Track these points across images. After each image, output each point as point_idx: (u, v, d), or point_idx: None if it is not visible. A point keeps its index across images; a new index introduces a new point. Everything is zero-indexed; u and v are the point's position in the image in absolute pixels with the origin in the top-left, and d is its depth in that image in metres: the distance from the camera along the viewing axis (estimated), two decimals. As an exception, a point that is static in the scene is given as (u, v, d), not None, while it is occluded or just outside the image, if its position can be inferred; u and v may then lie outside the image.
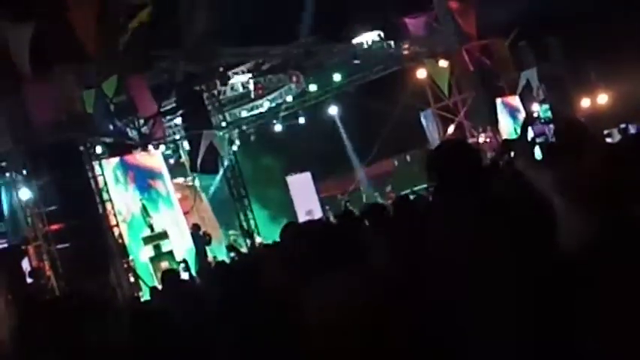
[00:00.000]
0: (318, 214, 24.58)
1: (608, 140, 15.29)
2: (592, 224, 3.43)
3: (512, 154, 4.83)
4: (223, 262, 10.41)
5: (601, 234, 3.39)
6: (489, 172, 4.96)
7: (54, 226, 16.97)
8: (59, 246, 16.81)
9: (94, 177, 17.82)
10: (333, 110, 26.12)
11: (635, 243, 3.32)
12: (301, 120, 25.71)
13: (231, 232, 22.59)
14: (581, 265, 3.38)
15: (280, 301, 4.46)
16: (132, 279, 17.42)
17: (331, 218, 22.20)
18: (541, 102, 26.01)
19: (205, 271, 11.65)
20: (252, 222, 21.47)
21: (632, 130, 23.68)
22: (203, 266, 15.70)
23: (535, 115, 23.65)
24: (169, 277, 8.31)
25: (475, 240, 3.67)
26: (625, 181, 3.50)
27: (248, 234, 20.67)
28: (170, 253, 18.01)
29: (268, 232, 20.14)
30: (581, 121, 5.57)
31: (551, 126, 22.00)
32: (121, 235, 17.78)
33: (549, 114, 23.81)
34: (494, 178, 4.56)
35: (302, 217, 23.46)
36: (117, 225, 17.78)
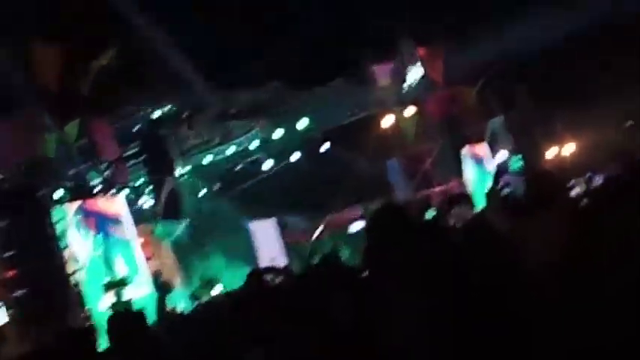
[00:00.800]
0: (281, 261, 24.33)
1: (577, 190, 15.29)
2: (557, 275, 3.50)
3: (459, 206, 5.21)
4: (182, 312, 10.22)
5: (565, 289, 3.46)
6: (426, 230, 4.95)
7: (10, 272, 16.72)
8: (15, 293, 16.56)
9: (53, 222, 17.52)
10: (298, 156, 25.96)
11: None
12: (267, 165, 25.55)
13: (194, 279, 22.31)
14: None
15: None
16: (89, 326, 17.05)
17: (294, 267, 22.09)
18: (512, 152, 26.10)
19: (165, 320, 11.41)
20: (213, 270, 21.24)
21: (598, 179, 23.78)
22: (163, 315, 15.39)
23: (505, 166, 23.71)
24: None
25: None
26: (590, 237, 3.56)
27: (209, 282, 20.42)
28: (130, 301, 17.67)
29: (230, 280, 19.94)
30: (551, 174, 5.50)
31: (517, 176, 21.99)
32: (79, 282, 17.44)
33: (520, 164, 23.90)
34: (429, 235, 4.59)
35: (264, 265, 23.21)
36: (75, 272, 17.43)
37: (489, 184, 24.32)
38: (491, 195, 4.31)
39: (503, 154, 26.58)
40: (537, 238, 3.72)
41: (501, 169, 22.58)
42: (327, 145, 25.42)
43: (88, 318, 17.16)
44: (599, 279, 3.41)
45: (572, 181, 22.38)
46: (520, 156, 25.52)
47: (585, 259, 3.46)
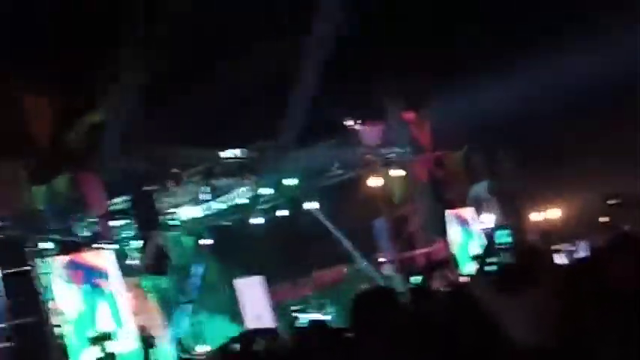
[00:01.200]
0: (267, 319, 24.33)
1: (558, 257, 15.45)
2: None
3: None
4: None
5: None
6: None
7: None
8: (0, 345, 16.43)
9: (40, 275, 17.50)
10: (285, 214, 26.02)
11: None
12: (254, 222, 25.62)
13: (180, 336, 22.23)
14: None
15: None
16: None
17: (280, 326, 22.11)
18: (499, 225, 26.21)
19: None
20: (200, 325, 21.17)
21: (583, 249, 23.93)
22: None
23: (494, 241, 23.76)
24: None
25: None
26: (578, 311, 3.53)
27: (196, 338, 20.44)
28: (114, 355, 17.64)
29: (215, 337, 19.90)
30: (539, 248, 5.57)
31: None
32: (64, 335, 17.37)
33: (508, 239, 23.98)
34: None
35: (250, 321, 23.31)
36: (60, 325, 17.39)
37: (474, 247, 24.54)
38: (480, 272, 4.33)
39: (488, 221, 26.72)
40: (522, 316, 3.73)
41: (491, 244, 22.66)
42: (314, 204, 25.52)
43: None
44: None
45: (556, 247, 22.69)
46: (508, 231, 25.60)
47: (572, 339, 3.47)
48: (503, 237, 24.56)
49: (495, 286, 4.36)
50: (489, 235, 25.24)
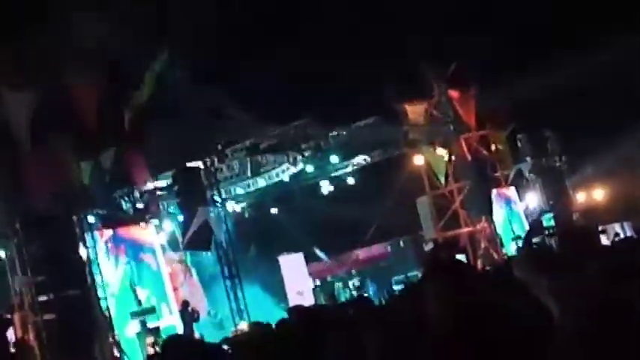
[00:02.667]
0: (308, 295, 24.44)
1: (603, 238, 15.26)
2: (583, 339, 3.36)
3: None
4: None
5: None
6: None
7: (42, 297, 16.77)
8: (46, 317, 16.58)
9: (86, 248, 17.69)
10: (328, 192, 25.99)
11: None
12: (296, 200, 25.66)
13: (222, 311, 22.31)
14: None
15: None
16: (117, 354, 17.15)
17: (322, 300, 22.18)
18: (546, 211, 26.02)
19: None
20: (242, 301, 21.23)
21: (628, 230, 23.71)
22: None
23: (538, 224, 23.64)
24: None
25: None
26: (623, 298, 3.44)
27: (238, 313, 20.53)
28: (157, 329, 17.83)
29: (258, 312, 20.00)
30: (585, 231, 5.47)
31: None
32: (108, 308, 17.63)
33: (552, 223, 23.77)
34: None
35: (292, 298, 23.49)
36: (105, 298, 17.64)
37: (518, 227, 24.38)
38: (523, 254, 4.27)
39: (533, 201, 26.56)
40: (567, 299, 3.60)
41: (534, 227, 22.54)
42: (356, 182, 25.44)
43: (117, 344, 17.30)
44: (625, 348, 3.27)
45: (602, 227, 22.49)
46: (552, 215, 25.39)
47: (615, 325, 3.33)
48: (549, 220, 24.50)
49: (540, 267, 4.19)
50: (535, 216, 25.15)
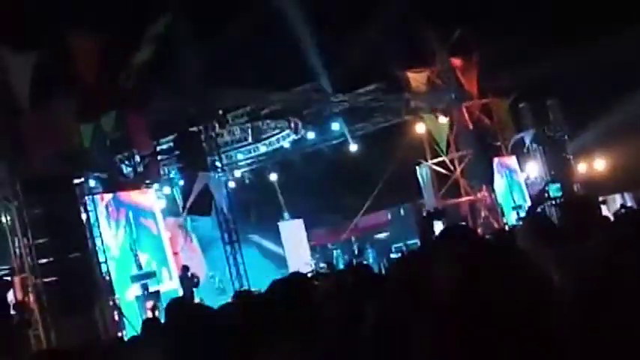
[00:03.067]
0: (308, 262, 24.35)
1: (604, 208, 15.27)
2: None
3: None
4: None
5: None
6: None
7: (42, 260, 16.75)
8: (46, 279, 16.57)
9: (86, 212, 17.65)
10: (329, 159, 25.96)
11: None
12: (297, 167, 25.60)
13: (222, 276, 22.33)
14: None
15: None
16: (117, 317, 17.17)
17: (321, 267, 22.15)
18: (551, 181, 25.96)
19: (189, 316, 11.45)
20: (241, 267, 21.22)
21: (629, 201, 23.71)
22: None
23: (542, 194, 23.62)
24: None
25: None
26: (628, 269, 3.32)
27: (237, 279, 20.52)
28: (157, 293, 17.85)
29: (257, 278, 19.99)
30: (588, 202, 5.42)
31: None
32: (109, 271, 17.62)
33: (559, 193, 23.72)
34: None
35: (292, 263, 23.42)
36: (105, 262, 17.61)
37: (519, 196, 24.35)
38: (527, 223, 4.25)
39: (534, 170, 26.50)
40: (570, 268, 3.57)
41: (541, 199, 22.49)
42: (357, 149, 25.37)
43: (117, 307, 17.34)
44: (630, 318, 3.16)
45: (602, 198, 22.48)
46: (559, 185, 25.33)
47: (619, 296, 3.23)
48: (557, 190, 24.47)
49: (543, 237, 4.23)
50: (538, 186, 25.10)
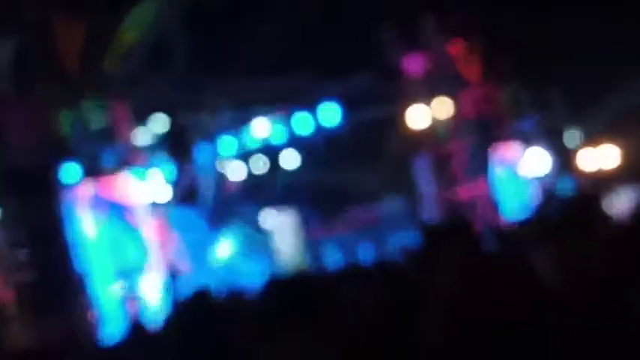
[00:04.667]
0: (300, 257, 24.27)
1: (608, 203, 14.76)
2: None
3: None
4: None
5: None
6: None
7: (19, 254, 16.67)
8: (25, 276, 16.50)
9: (66, 204, 17.31)
10: (321, 149, 25.68)
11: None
12: (288, 155, 25.33)
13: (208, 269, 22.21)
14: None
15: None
16: (97, 313, 17.08)
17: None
18: (561, 174, 25.95)
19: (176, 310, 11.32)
20: (230, 260, 21.20)
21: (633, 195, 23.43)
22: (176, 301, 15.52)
23: (552, 188, 23.65)
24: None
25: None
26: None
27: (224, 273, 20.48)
28: (139, 287, 18.02)
29: (245, 270, 20.07)
30: (592, 197, 5.26)
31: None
32: (89, 266, 17.41)
33: (566, 187, 23.76)
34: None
35: (283, 256, 23.52)
36: (85, 256, 17.37)
37: (520, 189, 24.19)
38: (529, 217, 4.25)
39: (536, 160, 26.30)
40: (568, 264, 3.64)
41: (549, 192, 22.41)
42: (351, 138, 25.12)
43: (97, 302, 17.21)
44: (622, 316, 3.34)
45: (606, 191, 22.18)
46: (566, 179, 25.33)
47: (613, 293, 3.38)
48: (566, 183, 24.37)
49: (545, 232, 4.26)
50: (542, 180, 24.89)
